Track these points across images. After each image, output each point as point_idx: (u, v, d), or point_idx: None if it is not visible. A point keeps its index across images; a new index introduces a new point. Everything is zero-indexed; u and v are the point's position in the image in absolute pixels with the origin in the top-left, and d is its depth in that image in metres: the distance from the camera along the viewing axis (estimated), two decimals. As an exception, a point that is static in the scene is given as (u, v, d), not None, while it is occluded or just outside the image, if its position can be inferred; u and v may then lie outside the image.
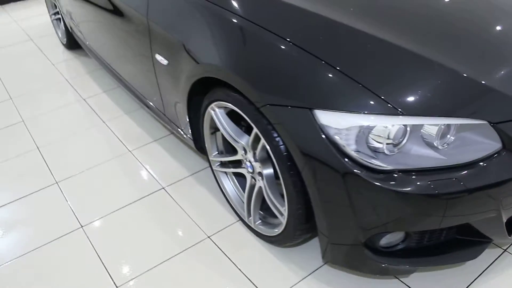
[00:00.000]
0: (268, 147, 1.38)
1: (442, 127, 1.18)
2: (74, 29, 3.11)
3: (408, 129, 1.18)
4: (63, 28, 3.52)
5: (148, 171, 2.18)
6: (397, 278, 1.53)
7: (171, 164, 2.21)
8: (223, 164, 1.84)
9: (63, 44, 3.71)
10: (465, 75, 1.24)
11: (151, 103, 2.21)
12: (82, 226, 1.88)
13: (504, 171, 1.20)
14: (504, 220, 1.28)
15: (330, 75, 1.23)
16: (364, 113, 1.18)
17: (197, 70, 1.56)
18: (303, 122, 1.23)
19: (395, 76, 1.25)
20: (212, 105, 1.61)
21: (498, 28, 1.45)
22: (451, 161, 1.19)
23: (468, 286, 1.49)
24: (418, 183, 1.17)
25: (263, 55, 1.35)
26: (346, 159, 1.19)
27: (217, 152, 1.83)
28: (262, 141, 1.41)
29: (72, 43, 3.52)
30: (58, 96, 2.97)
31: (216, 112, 1.62)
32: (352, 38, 1.34)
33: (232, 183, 1.85)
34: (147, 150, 2.34)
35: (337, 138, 1.19)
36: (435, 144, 1.20)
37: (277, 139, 1.34)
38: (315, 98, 1.22)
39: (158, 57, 1.83)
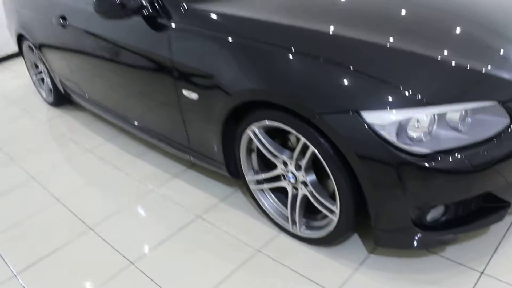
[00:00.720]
0: (318, 153, 1.59)
1: (463, 113, 1.45)
2: (68, 83, 3.21)
3: (436, 117, 1.44)
4: (49, 86, 3.61)
5: (179, 204, 2.30)
6: (436, 254, 1.75)
7: (199, 195, 2.35)
8: (259, 182, 2.01)
9: (48, 102, 3.78)
10: (469, 67, 1.53)
11: (171, 139, 2.36)
12: (132, 263, 1.96)
13: (515, 142, 1.48)
14: (521, 183, 1.55)
15: (367, 81, 1.48)
16: (402, 108, 1.43)
17: (237, 97, 1.75)
18: (353, 124, 1.45)
19: (415, 74, 1.51)
20: (252, 126, 1.80)
21: (480, 25, 1.77)
22: (474, 139, 1.45)
23: (496, 249, 1.73)
24: (455, 159, 1.42)
25: (303, 73, 1.57)
26: (394, 149, 1.42)
27: (253, 172, 2.01)
28: (311, 149, 1.62)
29: (60, 99, 3.61)
30: (63, 149, 3.04)
31: (256, 132, 1.82)
32: (373, 50, 1.59)
33: (270, 198, 2.02)
34: (170, 186, 2.46)
35: (383, 133, 1.43)
36: (459, 128, 1.46)
37: (326, 144, 1.56)
38: (359, 101, 1.46)
39: (186, 93, 2.01)
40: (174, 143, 2.36)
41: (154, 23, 2.12)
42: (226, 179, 2.41)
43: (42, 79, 3.80)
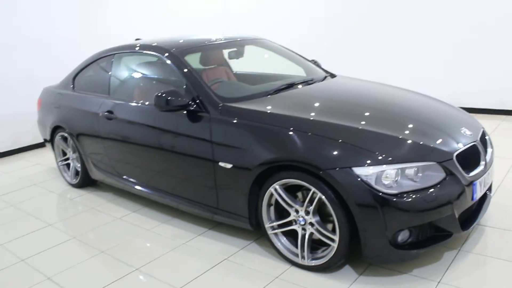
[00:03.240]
0: (324, 198, 2.38)
1: (416, 169, 2.31)
2: (101, 165, 3.90)
3: (399, 171, 2.29)
4: (76, 169, 4.28)
5: (207, 252, 2.93)
6: (405, 273, 2.47)
7: (222, 246, 2.99)
8: (274, 229, 2.72)
9: (71, 184, 4.40)
10: (422, 143, 2.44)
11: (201, 202, 3.06)
12: (180, 290, 2.55)
13: (449, 188, 2.34)
14: (457, 216, 2.37)
15: (357, 149, 2.35)
16: (378, 165, 2.28)
17: (264, 164, 2.55)
18: (347, 176, 2.28)
19: (386, 145, 2.40)
20: (275, 184, 2.58)
21: (422, 120, 2.72)
22: (423, 186, 2.30)
23: (447, 268, 2.48)
24: (413, 197, 2.25)
25: (314, 145, 2.42)
26: (375, 191, 2.24)
27: (270, 221, 2.73)
28: (319, 195, 2.40)
29: (84, 182, 4.26)
30: (95, 218, 3.62)
31: (277, 189, 2.59)
32: (355, 131, 2.49)
33: (283, 240, 2.72)
34: (197, 240, 3.10)
35: (368, 180, 2.26)
36: (414, 179, 2.31)
37: (329, 191, 2.35)
38: (351, 161, 2.31)
39: (222, 164, 2.79)
40: (203, 205, 3.07)
41: (195, 115, 2.98)
42: (242, 235, 3.09)
43: (67, 165, 4.46)
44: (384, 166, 2.29)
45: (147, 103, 3.38)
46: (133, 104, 3.51)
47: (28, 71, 5.98)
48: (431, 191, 2.29)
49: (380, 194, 2.24)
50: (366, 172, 2.28)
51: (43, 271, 2.87)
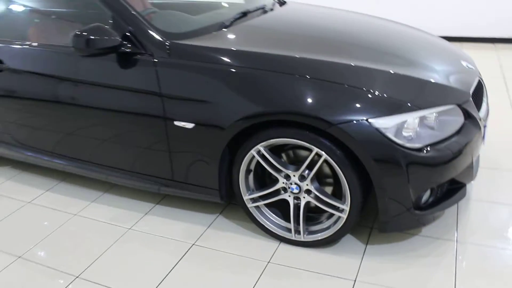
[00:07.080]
0: (331, 160, 1.85)
1: (436, 114, 1.88)
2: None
3: (419, 120, 1.85)
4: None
5: (167, 237, 2.28)
6: (416, 234, 2.12)
7: (182, 226, 2.36)
8: (255, 201, 2.16)
9: None
10: (435, 81, 2.00)
11: (147, 173, 2.35)
12: (145, 298, 1.90)
13: (470, 134, 1.97)
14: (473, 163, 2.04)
15: (372, 96, 1.83)
16: (398, 114, 1.80)
17: (245, 121, 1.93)
18: (364, 129, 1.77)
19: (403, 89, 1.93)
20: (258, 146, 1.98)
21: (418, 49, 2.31)
22: (444, 135, 1.89)
23: (456, 224, 2.19)
24: (438, 149, 1.83)
25: (317, 93, 1.85)
26: (397, 146, 1.77)
27: (249, 192, 2.15)
28: (323, 157, 1.87)
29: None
30: (-6, 207, 2.70)
31: (261, 151, 1.99)
32: (365, 72, 1.96)
33: (267, 214, 2.18)
34: (146, 223, 2.41)
35: (387, 133, 1.77)
36: (434, 127, 1.88)
37: (338, 151, 1.83)
38: (368, 111, 1.79)
39: (179, 123, 2.09)
40: (151, 177, 2.36)
41: (132, 60, 2.18)
42: (202, 208, 2.47)
43: None
44: (405, 114, 1.82)
45: (65, 44, 2.38)
46: (32, 47, 2.53)
47: None
48: (454, 140, 1.90)
49: (403, 149, 1.78)
50: (385, 123, 1.78)
51: None
